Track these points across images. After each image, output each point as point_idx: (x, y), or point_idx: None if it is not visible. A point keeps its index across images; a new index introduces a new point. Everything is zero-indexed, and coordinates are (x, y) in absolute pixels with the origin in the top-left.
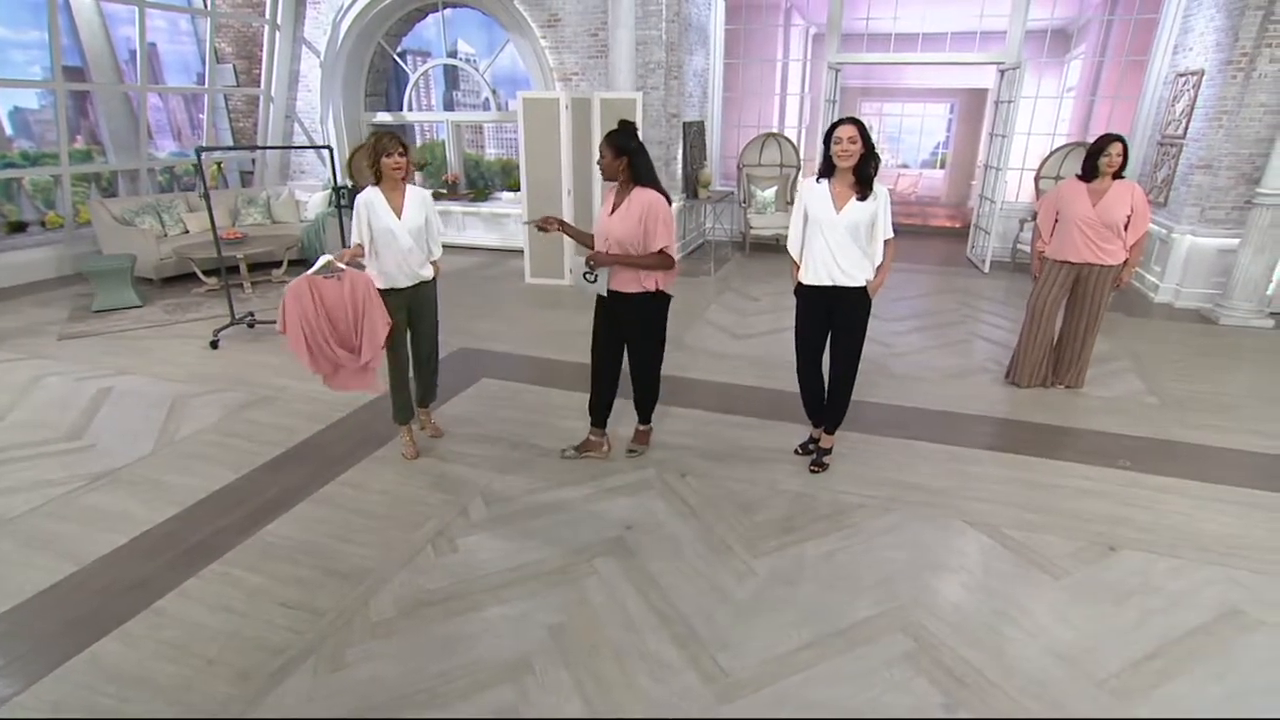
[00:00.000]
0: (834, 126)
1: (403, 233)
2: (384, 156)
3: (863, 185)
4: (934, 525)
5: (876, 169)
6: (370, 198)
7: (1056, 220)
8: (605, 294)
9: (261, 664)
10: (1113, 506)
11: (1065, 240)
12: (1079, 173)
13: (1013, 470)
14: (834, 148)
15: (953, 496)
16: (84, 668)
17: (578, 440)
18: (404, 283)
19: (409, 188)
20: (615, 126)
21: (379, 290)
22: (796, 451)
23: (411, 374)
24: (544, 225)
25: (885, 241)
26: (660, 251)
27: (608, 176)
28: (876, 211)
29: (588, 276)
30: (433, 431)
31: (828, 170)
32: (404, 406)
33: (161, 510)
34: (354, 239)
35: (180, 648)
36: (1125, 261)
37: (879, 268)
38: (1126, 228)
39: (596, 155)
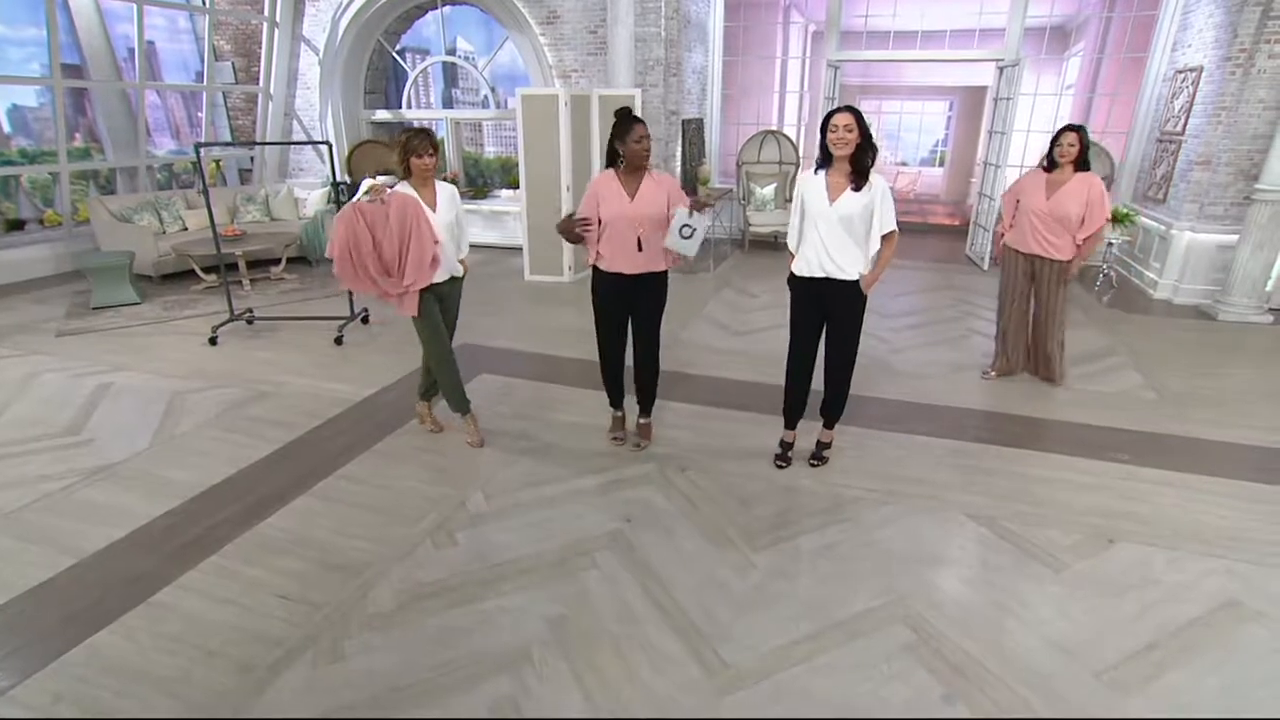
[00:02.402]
0: (831, 114)
1: (438, 228)
2: (414, 157)
3: (858, 176)
4: (933, 518)
5: (874, 159)
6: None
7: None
8: (693, 255)
9: (260, 656)
10: (1111, 500)
11: (1020, 230)
12: (1043, 163)
13: (1011, 464)
14: (829, 135)
15: (951, 490)
16: (82, 660)
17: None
18: (438, 277)
19: (439, 184)
20: (621, 114)
21: None
22: (778, 465)
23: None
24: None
25: (885, 235)
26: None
27: (646, 162)
28: (873, 203)
29: (685, 232)
30: (433, 426)
31: (825, 160)
32: (460, 398)
33: (160, 505)
34: None
35: (179, 640)
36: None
37: (876, 262)
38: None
39: (634, 138)
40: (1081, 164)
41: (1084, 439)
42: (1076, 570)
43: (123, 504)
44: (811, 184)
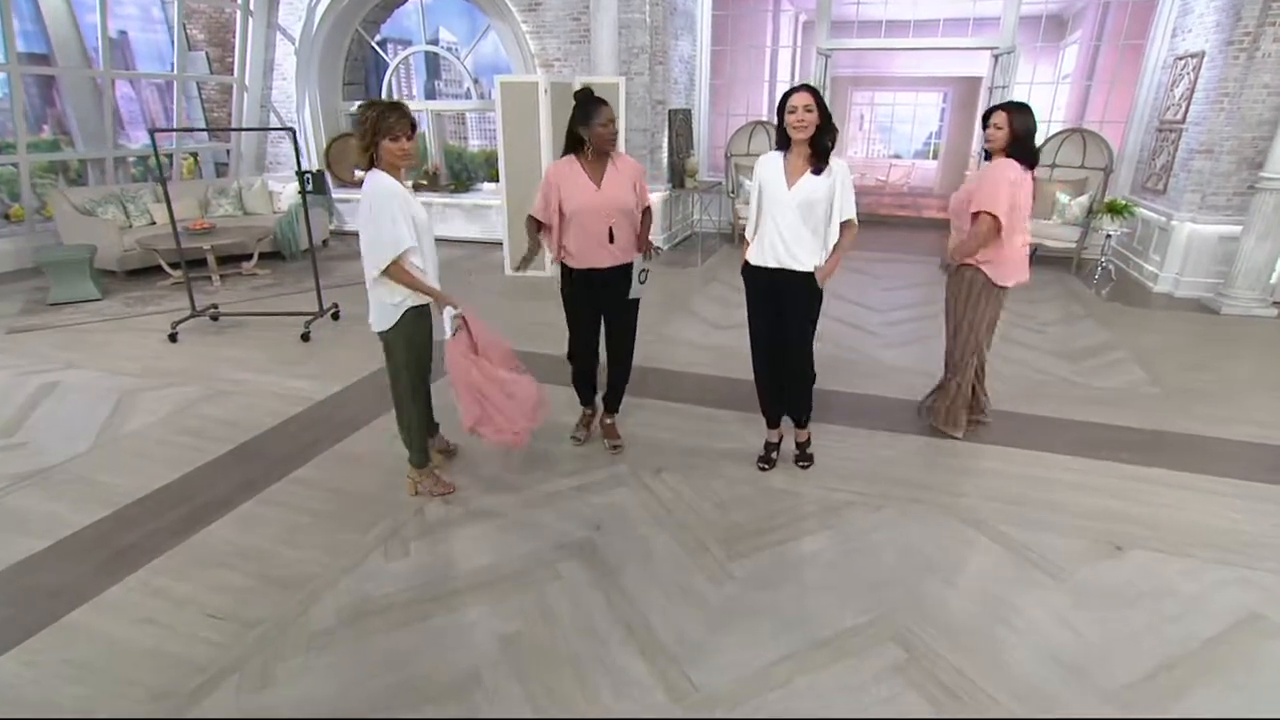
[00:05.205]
0: (788, 94)
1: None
2: (388, 139)
3: (818, 159)
4: (927, 524)
5: (834, 142)
6: (394, 186)
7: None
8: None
9: (179, 683)
10: (1117, 502)
11: (1019, 256)
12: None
13: (1010, 464)
14: (788, 117)
15: (947, 493)
16: None
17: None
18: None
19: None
20: (582, 96)
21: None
22: (760, 467)
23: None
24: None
25: (844, 224)
26: (647, 208)
27: (612, 147)
28: (834, 188)
29: (642, 277)
30: (443, 487)
31: (783, 143)
32: (422, 448)
33: (91, 512)
34: (404, 244)
35: (86, 667)
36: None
37: (833, 250)
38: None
39: (601, 122)
40: (1021, 152)
41: (1084, 437)
42: (1080, 579)
43: (51, 511)
44: (770, 167)
